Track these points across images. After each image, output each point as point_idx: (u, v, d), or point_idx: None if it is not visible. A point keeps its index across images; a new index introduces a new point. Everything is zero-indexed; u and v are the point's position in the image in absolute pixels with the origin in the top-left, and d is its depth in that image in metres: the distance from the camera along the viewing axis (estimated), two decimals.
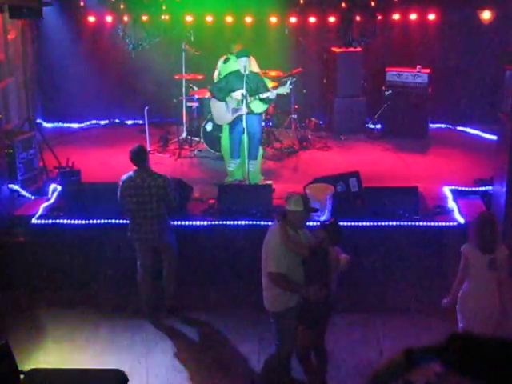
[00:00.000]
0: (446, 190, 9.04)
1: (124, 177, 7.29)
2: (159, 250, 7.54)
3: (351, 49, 11.93)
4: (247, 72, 9.02)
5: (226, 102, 9.34)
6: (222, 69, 10.49)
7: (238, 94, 9.18)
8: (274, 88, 9.43)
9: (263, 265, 6.01)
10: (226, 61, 10.63)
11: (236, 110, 9.29)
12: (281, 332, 6.08)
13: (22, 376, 5.55)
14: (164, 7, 10.95)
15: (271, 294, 6.00)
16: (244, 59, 9.07)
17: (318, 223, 7.07)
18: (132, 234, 7.37)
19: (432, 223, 8.19)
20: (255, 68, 10.13)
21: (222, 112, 9.47)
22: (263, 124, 10.17)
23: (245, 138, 9.13)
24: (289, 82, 9.36)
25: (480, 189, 9.14)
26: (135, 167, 7.28)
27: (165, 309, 7.64)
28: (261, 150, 9.77)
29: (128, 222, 7.44)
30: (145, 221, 7.24)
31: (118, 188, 7.33)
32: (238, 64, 9.28)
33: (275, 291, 5.94)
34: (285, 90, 9.25)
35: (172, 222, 7.87)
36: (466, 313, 6.10)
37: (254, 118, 9.30)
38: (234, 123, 9.35)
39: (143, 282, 7.55)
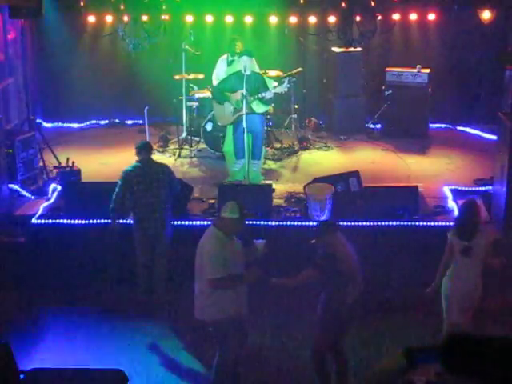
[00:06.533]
0: (446, 190, 9.05)
1: (129, 167, 7.43)
2: (155, 243, 7.55)
3: (351, 49, 11.91)
4: (248, 72, 9.02)
5: (224, 104, 9.36)
6: (227, 70, 10.47)
7: (237, 95, 9.18)
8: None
9: (198, 270, 5.86)
10: (230, 63, 10.62)
11: (237, 110, 9.28)
12: (222, 341, 5.91)
13: (22, 376, 5.56)
14: (164, 7, 10.91)
15: (205, 302, 5.84)
16: (245, 58, 9.09)
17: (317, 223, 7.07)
18: (136, 223, 7.48)
19: (432, 223, 8.19)
20: (256, 68, 10.11)
21: (223, 113, 9.48)
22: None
23: (245, 137, 9.12)
24: (286, 81, 9.38)
25: (480, 189, 9.15)
26: (139, 159, 7.49)
27: (153, 305, 7.63)
28: (264, 151, 9.76)
29: (132, 214, 7.62)
30: (151, 208, 7.38)
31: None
32: (239, 63, 9.30)
33: (210, 299, 5.79)
34: (282, 88, 9.28)
35: (172, 222, 7.85)
36: (446, 297, 6.28)
37: (256, 118, 9.29)
38: (237, 123, 9.31)
39: (143, 273, 7.59)
